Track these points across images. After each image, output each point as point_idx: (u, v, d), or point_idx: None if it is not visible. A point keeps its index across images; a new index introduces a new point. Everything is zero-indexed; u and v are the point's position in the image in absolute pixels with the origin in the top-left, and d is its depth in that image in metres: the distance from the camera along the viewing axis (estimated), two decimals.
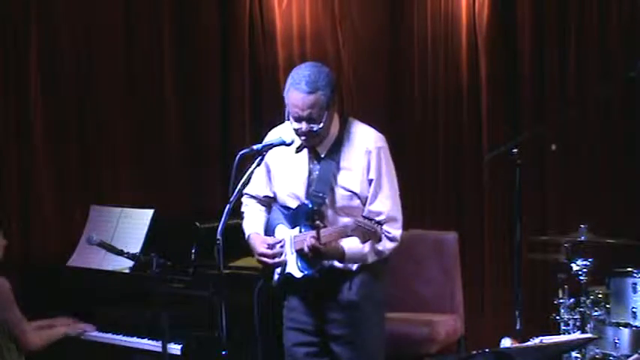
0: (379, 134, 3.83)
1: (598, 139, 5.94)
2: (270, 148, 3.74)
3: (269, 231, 3.89)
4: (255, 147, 3.70)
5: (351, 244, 3.68)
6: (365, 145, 3.76)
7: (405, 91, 6.54)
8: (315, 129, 3.68)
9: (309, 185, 3.78)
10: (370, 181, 3.74)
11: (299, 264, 3.73)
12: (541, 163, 6.03)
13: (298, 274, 3.73)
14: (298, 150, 3.79)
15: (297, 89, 3.65)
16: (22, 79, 5.07)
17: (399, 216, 3.79)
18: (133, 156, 5.55)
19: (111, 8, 5.45)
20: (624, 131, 5.89)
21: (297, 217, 3.78)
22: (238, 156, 3.62)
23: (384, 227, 3.63)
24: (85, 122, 5.35)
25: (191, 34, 5.81)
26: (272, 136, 3.87)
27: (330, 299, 3.80)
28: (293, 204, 3.82)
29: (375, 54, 6.53)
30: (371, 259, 3.75)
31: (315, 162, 3.80)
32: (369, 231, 3.53)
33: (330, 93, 3.68)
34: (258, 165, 3.68)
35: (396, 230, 3.75)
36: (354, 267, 3.79)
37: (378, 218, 3.62)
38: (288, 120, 3.75)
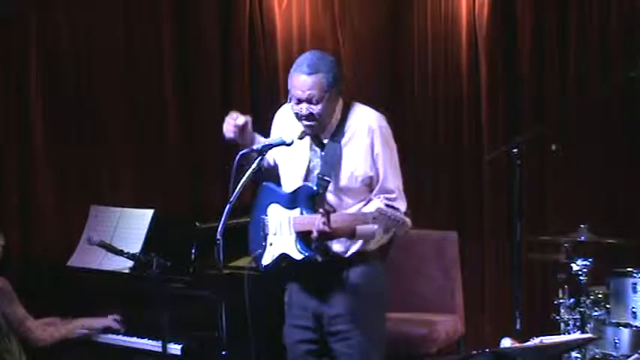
0: (381, 114, 3.85)
1: (598, 139, 5.94)
2: (270, 149, 3.75)
3: (259, 207, 3.89)
4: (254, 147, 3.72)
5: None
6: (367, 123, 3.78)
7: (405, 91, 6.54)
8: (315, 112, 3.70)
9: (308, 171, 3.80)
10: (376, 159, 3.75)
11: (298, 246, 3.73)
12: (541, 163, 6.03)
13: (298, 256, 3.74)
14: (301, 137, 3.79)
15: (298, 70, 3.71)
16: (22, 79, 5.07)
17: (403, 194, 3.81)
18: (133, 156, 5.55)
19: (111, 8, 5.45)
20: (624, 131, 5.89)
21: (296, 198, 3.78)
22: (238, 156, 3.63)
23: (394, 204, 3.68)
24: (85, 122, 5.35)
25: (191, 34, 5.81)
26: (281, 115, 3.93)
27: (328, 294, 3.81)
28: (290, 187, 3.83)
29: (375, 54, 6.54)
30: (378, 236, 3.75)
31: (317, 149, 3.82)
32: (395, 222, 3.52)
33: (332, 78, 3.71)
34: (258, 165, 3.69)
35: (404, 207, 3.75)
36: (348, 253, 3.78)
37: (389, 196, 3.71)
38: (290, 103, 3.76)
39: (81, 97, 5.33)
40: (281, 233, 3.80)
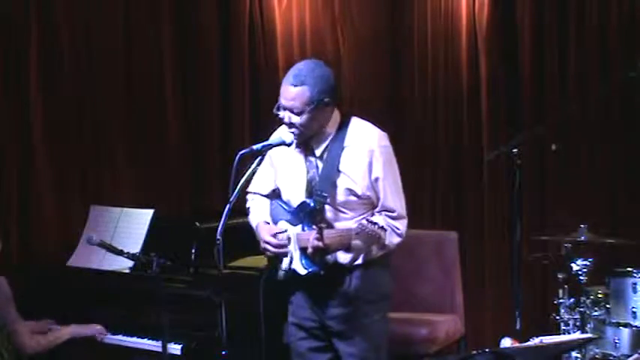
0: (382, 133, 3.84)
1: (598, 139, 5.94)
2: (270, 148, 3.76)
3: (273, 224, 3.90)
4: (254, 147, 3.72)
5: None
6: (368, 144, 3.77)
7: (405, 91, 6.53)
8: (296, 122, 3.71)
9: (308, 182, 3.80)
10: (375, 180, 3.75)
11: (303, 261, 3.75)
12: (541, 163, 6.03)
13: (302, 271, 3.76)
14: (296, 146, 3.80)
15: (286, 79, 3.75)
16: (22, 79, 5.07)
17: (405, 212, 3.83)
18: (133, 156, 5.55)
19: (111, 8, 5.46)
20: (624, 131, 5.89)
21: (299, 214, 3.80)
22: (238, 156, 3.63)
23: (394, 223, 3.72)
24: (85, 122, 5.36)
25: (191, 34, 5.81)
26: (279, 132, 3.90)
27: (330, 294, 3.82)
28: (295, 201, 3.84)
29: (375, 54, 6.53)
30: (375, 252, 3.77)
31: (311, 160, 3.82)
32: (373, 236, 3.56)
33: (318, 92, 3.68)
34: (258, 165, 3.70)
35: (404, 227, 3.79)
36: (353, 264, 3.79)
37: (391, 214, 3.72)
38: (278, 112, 3.77)
39: (81, 96, 5.33)
40: (290, 246, 3.81)
